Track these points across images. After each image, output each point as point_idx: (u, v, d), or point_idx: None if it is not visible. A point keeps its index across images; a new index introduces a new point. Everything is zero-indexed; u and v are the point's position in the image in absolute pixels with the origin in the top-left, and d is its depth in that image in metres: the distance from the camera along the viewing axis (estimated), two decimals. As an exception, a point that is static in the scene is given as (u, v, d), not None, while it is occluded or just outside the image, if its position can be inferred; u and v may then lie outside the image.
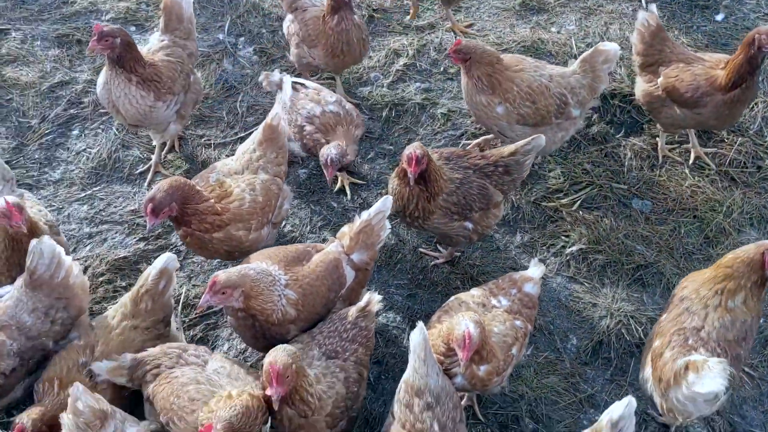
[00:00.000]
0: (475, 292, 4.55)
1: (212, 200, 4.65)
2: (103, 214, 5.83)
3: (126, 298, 4.48)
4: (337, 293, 4.47)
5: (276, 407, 3.73)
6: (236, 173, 4.95)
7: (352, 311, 4.34)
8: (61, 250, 4.39)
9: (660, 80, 5.65)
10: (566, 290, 5.43)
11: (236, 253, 4.80)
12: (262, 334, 4.28)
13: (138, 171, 6.07)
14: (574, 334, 5.21)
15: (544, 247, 5.67)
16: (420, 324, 4.06)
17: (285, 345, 3.84)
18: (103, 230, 5.73)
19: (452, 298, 4.56)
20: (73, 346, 4.31)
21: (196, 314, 5.20)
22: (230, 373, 4.05)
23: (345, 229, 4.74)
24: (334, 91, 5.94)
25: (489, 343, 4.09)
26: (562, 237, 5.70)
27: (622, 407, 3.63)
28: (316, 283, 4.37)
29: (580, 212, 5.84)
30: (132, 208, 5.85)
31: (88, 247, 5.61)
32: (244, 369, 4.15)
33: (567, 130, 5.61)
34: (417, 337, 4.00)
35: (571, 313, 5.31)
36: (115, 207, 5.87)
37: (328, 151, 5.14)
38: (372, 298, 4.38)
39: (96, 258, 5.52)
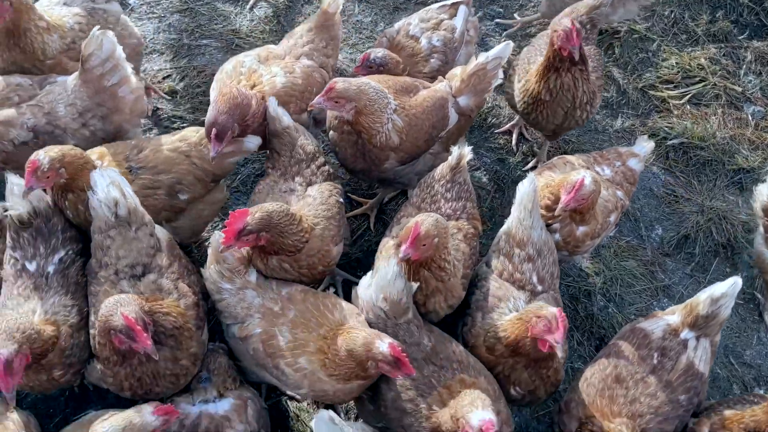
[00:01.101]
0: (579, 156, 4.42)
1: (257, 95, 4.24)
2: (204, 28, 5.76)
3: (192, 131, 4.27)
4: (439, 132, 4.37)
5: (399, 263, 3.59)
6: (276, 57, 4.53)
7: (445, 170, 4.18)
8: (122, 54, 4.13)
9: None
10: (660, 180, 5.28)
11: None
12: (361, 154, 4.23)
13: (242, -8, 5.95)
14: (661, 225, 5.10)
15: (644, 136, 5.46)
16: (531, 175, 3.99)
17: (439, 216, 3.65)
18: (202, 44, 5.68)
19: (556, 157, 4.44)
20: (125, 142, 4.17)
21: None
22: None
23: (456, 70, 4.55)
24: None
25: (595, 205, 3.98)
26: (665, 128, 5.48)
27: (726, 286, 3.56)
28: (422, 116, 4.25)
29: (688, 106, 5.60)
30: (232, 28, 5.77)
31: (186, 59, 5.58)
32: None
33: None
34: (526, 187, 3.94)
35: (660, 204, 5.18)
36: (216, 24, 5.79)
37: (377, 51, 4.58)
38: (462, 153, 4.18)
39: (194, 69, 5.50)
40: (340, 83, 3.95)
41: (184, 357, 3.52)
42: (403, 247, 3.49)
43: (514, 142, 5.34)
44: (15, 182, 3.67)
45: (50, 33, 4.28)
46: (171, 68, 5.52)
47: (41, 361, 3.34)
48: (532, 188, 3.90)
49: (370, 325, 3.62)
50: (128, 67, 4.22)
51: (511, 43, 4.44)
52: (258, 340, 3.60)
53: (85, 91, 4.14)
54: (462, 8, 4.83)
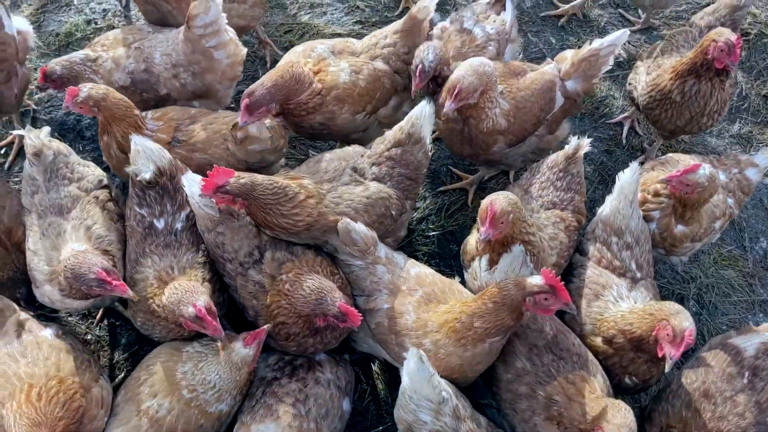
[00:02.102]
0: (694, 157, 4.32)
1: (316, 83, 4.14)
2: (329, -13, 5.86)
3: None
4: (546, 115, 4.35)
5: (480, 248, 3.69)
6: (351, 53, 4.39)
7: (560, 158, 4.16)
8: (225, 21, 4.26)
9: None
10: (779, 186, 5.12)
11: (325, 132, 4.36)
12: (468, 140, 4.24)
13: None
14: (766, 237, 4.95)
15: (760, 144, 5.30)
16: (634, 164, 3.95)
17: (508, 193, 3.63)
18: (324, 4, 5.78)
19: (669, 154, 4.37)
20: (187, 108, 4.26)
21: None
22: None
23: (567, 53, 4.50)
24: None
25: (702, 204, 3.91)
26: (788, 137, 5.29)
27: None
28: (531, 99, 4.24)
29: (814, 114, 5.38)
30: (355, -11, 5.85)
31: (307, 16, 5.70)
32: None
33: None
34: (628, 176, 3.92)
35: (768, 216, 5.03)
36: (340, -16, 5.88)
37: (425, 52, 4.17)
38: (581, 143, 4.16)
39: (313, 28, 5.62)
40: (465, 81, 3.85)
41: None
42: (482, 229, 3.50)
43: (624, 134, 5.26)
44: (139, 143, 3.71)
45: None
46: (292, 23, 5.64)
47: None
48: (634, 178, 3.90)
49: None
50: (229, 34, 4.34)
51: (627, 31, 4.38)
52: (384, 315, 3.64)
53: (183, 47, 4.31)
54: (509, 2, 4.73)
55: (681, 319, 3.33)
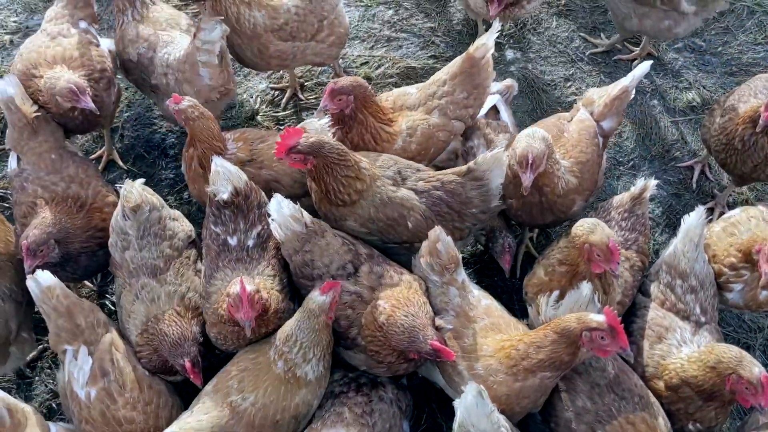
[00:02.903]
0: (762, 207, 4.27)
1: (388, 118, 4.26)
2: (405, 22, 6.04)
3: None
4: (600, 159, 4.38)
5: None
6: (408, 107, 4.36)
7: (625, 199, 4.20)
8: (222, 46, 4.45)
9: None
10: None
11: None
12: (549, 209, 4.13)
13: (446, -8, 6.17)
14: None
15: (839, 196, 5.19)
16: (701, 208, 3.96)
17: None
18: (401, 37, 5.97)
19: (740, 209, 4.31)
20: (260, 130, 4.54)
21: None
22: None
23: (593, 95, 4.53)
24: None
25: None
26: None
27: None
28: (586, 150, 4.24)
29: None
30: (431, 25, 6.01)
31: (383, 49, 5.88)
32: None
33: (676, 21, 5.16)
34: (694, 220, 3.93)
35: None
36: (417, 19, 6.06)
37: None
38: (648, 184, 4.18)
39: (389, 60, 5.80)
40: (534, 149, 3.79)
41: None
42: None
43: (695, 179, 5.22)
44: (220, 165, 3.87)
45: (251, 8, 4.58)
46: (369, 56, 5.84)
47: (262, 317, 3.63)
48: (700, 222, 3.92)
49: None
50: (218, 59, 4.46)
51: (650, 62, 4.47)
52: (446, 336, 3.69)
53: (182, 53, 4.52)
54: (499, 103, 4.70)
55: (748, 367, 3.29)
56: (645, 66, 4.41)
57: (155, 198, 4.06)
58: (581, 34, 5.97)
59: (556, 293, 3.68)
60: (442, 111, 4.34)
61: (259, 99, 5.55)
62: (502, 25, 5.24)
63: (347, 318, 3.71)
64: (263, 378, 3.57)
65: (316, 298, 3.52)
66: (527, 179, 3.78)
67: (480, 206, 4.06)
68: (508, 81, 4.84)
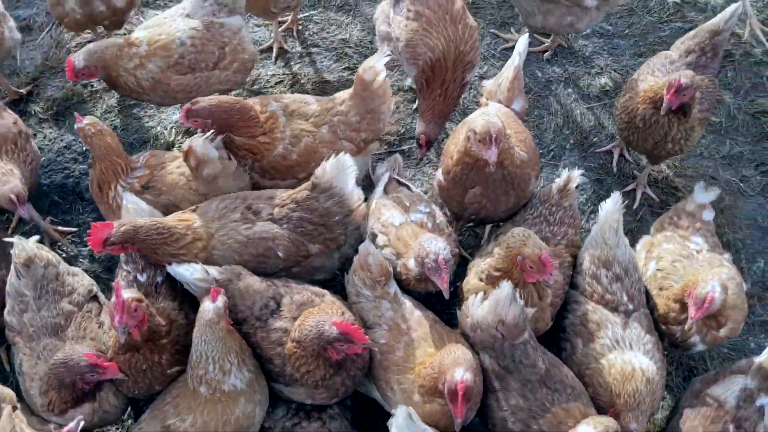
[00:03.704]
0: (667, 246, 4.18)
1: (262, 131, 4.29)
2: (317, 37, 5.99)
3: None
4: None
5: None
6: (301, 116, 4.36)
7: (553, 191, 4.22)
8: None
9: None
10: (765, 211, 5.11)
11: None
12: (511, 184, 4.06)
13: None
14: (763, 258, 4.94)
15: (751, 164, 5.32)
16: (616, 193, 4.00)
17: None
18: (313, 53, 5.92)
19: (653, 264, 4.20)
20: None
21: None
22: None
23: (490, 86, 4.61)
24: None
25: (727, 305, 3.75)
26: (781, 159, 5.31)
27: None
28: (520, 129, 4.30)
29: (808, 137, 5.40)
30: (342, 37, 5.98)
31: (297, 66, 5.83)
32: None
33: (578, 17, 5.21)
34: (611, 206, 3.96)
35: (765, 235, 5.02)
36: (328, 33, 6.02)
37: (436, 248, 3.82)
38: (572, 175, 4.21)
39: (304, 77, 5.75)
40: (496, 125, 3.74)
41: None
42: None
43: (615, 162, 5.30)
44: (131, 202, 3.97)
45: (143, 68, 4.59)
46: (283, 74, 5.78)
47: (156, 341, 3.64)
48: (617, 207, 3.94)
49: (485, 344, 3.64)
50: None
51: (527, 36, 4.60)
52: (378, 350, 3.71)
53: None
54: (384, 180, 4.47)
55: (629, 418, 3.44)
56: (524, 41, 4.52)
57: (50, 254, 4.00)
58: (491, 30, 6.01)
59: (481, 294, 3.69)
60: (332, 128, 4.34)
61: (174, 131, 5.45)
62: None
63: (279, 356, 3.68)
64: (196, 403, 3.56)
65: (209, 306, 3.49)
66: (493, 154, 3.75)
67: (341, 212, 4.07)
68: (393, 157, 4.68)
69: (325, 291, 3.93)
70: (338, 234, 4.09)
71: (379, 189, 4.35)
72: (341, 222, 4.08)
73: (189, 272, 3.74)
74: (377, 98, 4.37)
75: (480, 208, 4.21)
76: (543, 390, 3.53)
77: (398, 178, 4.46)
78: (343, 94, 4.46)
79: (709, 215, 4.33)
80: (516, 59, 4.49)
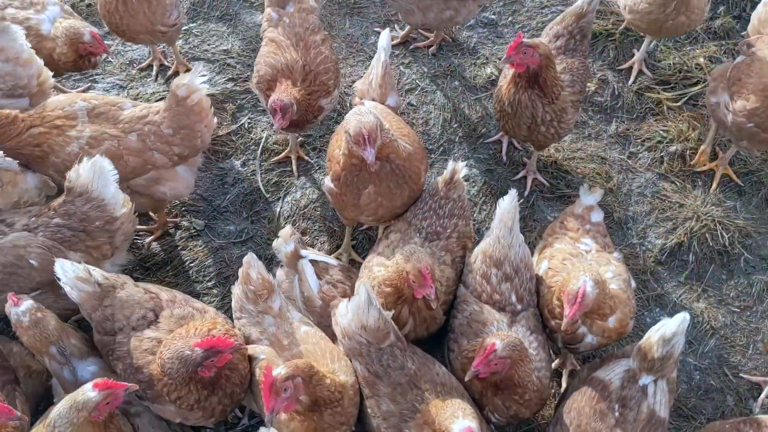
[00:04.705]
0: (558, 246, 4.12)
1: (53, 125, 4.21)
2: (197, 50, 5.84)
3: None
4: None
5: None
6: (107, 120, 4.24)
7: (439, 185, 4.18)
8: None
9: None
10: (654, 187, 5.16)
11: None
12: (402, 178, 4.04)
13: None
14: (654, 232, 4.98)
15: (638, 141, 5.36)
16: (513, 191, 3.91)
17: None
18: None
19: (557, 224, 4.30)
20: None
21: (272, 162, 5.24)
22: None
23: (360, 85, 4.57)
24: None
25: (608, 296, 3.70)
26: (660, 132, 5.36)
27: (676, 323, 3.37)
28: (400, 125, 4.31)
29: (685, 108, 5.46)
30: (225, 47, 5.84)
31: (179, 81, 5.67)
32: None
33: (456, 10, 5.17)
34: (507, 203, 3.88)
35: (653, 210, 5.06)
36: (209, 44, 5.87)
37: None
38: (456, 167, 4.17)
39: (185, 92, 5.58)
40: (369, 123, 3.73)
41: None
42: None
43: (504, 151, 5.28)
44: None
45: None
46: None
47: None
48: (513, 205, 3.87)
49: (353, 351, 3.60)
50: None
51: (388, 30, 4.56)
52: (257, 367, 3.63)
53: None
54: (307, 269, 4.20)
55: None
56: (386, 35, 4.46)
57: None
58: (375, 29, 5.94)
59: (345, 302, 3.65)
60: (141, 137, 4.22)
61: None
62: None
63: (148, 365, 3.56)
64: None
65: (87, 391, 3.25)
66: (370, 154, 3.72)
67: (102, 217, 3.98)
68: (290, 234, 4.20)
69: (209, 307, 3.88)
70: (102, 242, 4.00)
71: (312, 281, 4.05)
72: (104, 229, 3.98)
73: (71, 269, 3.61)
74: (192, 115, 4.28)
75: (377, 207, 4.15)
76: (413, 391, 3.48)
77: (315, 257, 4.17)
78: (160, 105, 4.36)
79: (597, 216, 4.29)
80: (382, 55, 4.43)
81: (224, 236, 4.95)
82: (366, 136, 3.70)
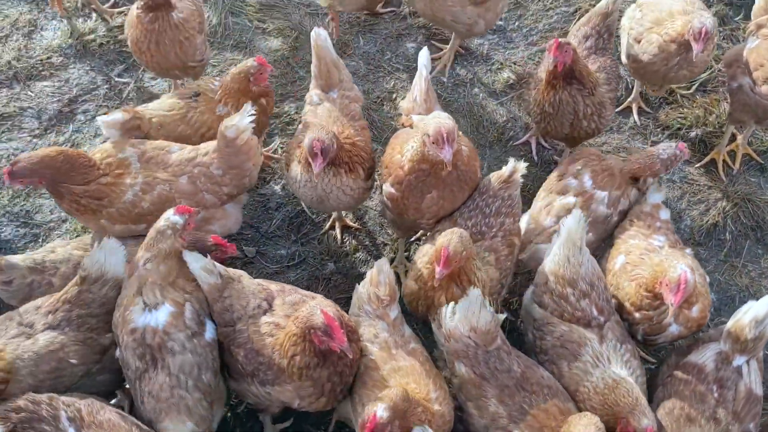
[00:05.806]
0: (633, 242, 4.24)
1: (102, 173, 4.17)
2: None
3: None
4: None
5: (437, 284, 3.80)
6: (159, 164, 4.24)
7: (494, 182, 4.22)
8: None
9: None
10: (681, 172, 5.39)
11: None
12: (464, 181, 4.17)
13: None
14: (688, 215, 5.21)
15: (658, 130, 5.60)
16: (577, 212, 3.96)
17: (462, 231, 3.79)
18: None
19: (621, 257, 4.24)
20: None
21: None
22: None
23: (406, 103, 4.70)
24: None
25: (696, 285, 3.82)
26: (678, 119, 5.60)
27: (766, 305, 3.53)
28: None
29: (697, 95, 5.72)
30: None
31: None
32: None
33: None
34: (573, 223, 3.89)
35: (684, 195, 5.29)
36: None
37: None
38: (517, 166, 4.22)
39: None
40: (448, 126, 3.85)
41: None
42: (437, 269, 3.67)
43: (534, 151, 5.45)
44: None
45: None
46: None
47: None
48: (579, 225, 3.88)
49: (459, 353, 3.67)
50: None
51: (426, 48, 4.68)
52: (363, 364, 3.73)
53: None
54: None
55: (638, 418, 3.40)
56: (425, 53, 4.61)
57: None
58: (409, 44, 6.06)
59: (452, 305, 3.71)
60: (192, 179, 4.23)
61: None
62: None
63: (269, 346, 3.66)
64: None
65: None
66: (448, 153, 3.83)
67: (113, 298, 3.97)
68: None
69: (317, 294, 3.99)
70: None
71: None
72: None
73: (195, 261, 3.83)
74: (241, 155, 4.30)
75: (438, 209, 4.27)
76: (521, 394, 3.57)
77: None
78: (208, 146, 4.36)
79: (665, 214, 4.44)
80: (423, 72, 4.57)
81: (276, 261, 4.99)
82: (445, 136, 3.83)
